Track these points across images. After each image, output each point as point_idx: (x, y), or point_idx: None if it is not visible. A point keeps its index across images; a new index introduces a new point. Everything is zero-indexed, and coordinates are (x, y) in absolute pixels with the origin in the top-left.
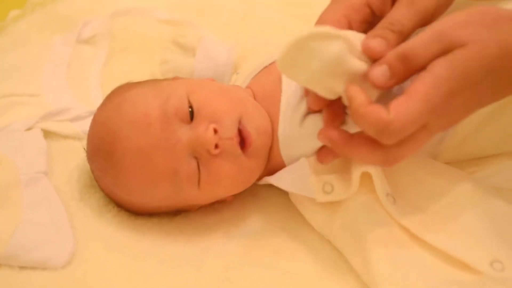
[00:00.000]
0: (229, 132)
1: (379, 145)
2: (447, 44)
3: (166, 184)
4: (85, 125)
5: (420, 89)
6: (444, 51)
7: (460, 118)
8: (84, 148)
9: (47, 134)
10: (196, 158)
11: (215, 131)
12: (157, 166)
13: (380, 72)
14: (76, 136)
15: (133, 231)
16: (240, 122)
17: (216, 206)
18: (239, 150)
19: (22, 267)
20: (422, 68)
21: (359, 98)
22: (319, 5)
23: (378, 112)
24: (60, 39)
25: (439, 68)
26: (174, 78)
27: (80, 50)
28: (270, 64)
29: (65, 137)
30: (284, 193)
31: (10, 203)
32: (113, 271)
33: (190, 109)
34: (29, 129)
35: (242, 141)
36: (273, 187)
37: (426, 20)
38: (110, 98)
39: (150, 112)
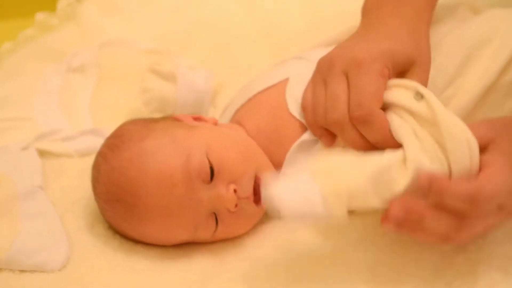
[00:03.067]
0: (247, 191)
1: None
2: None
3: (184, 234)
4: (76, 144)
5: (498, 159)
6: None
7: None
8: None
9: (41, 153)
10: (214, 213)
11: (235, 191)
12: (179, 222)
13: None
14: (68, 154)
15: (124, 241)
16: (255, 178)
17: None
18: (254, 206)
19: (22, 271)
20: None
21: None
22: (295, 37)
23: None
24: (51, 69)
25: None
26: (182, 124)
27: (70, 78)
28: (254, 96)
29: (58, 155)
30: None
31: (11, 215)
32: (108, 272)
33: (210, 168)
34: (24, 149)
35: (256, 194)
36: None
37: None
38: (124, 142)
39: (174, 172)
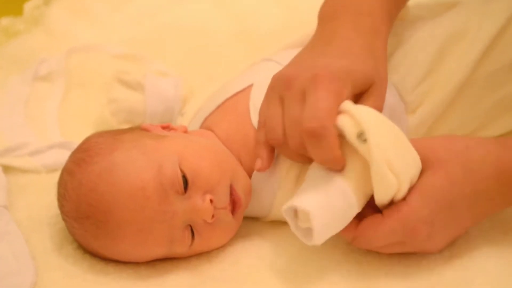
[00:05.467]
0: (224, 201)
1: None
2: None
3: (160, 249)
4: (44, 159)
5: (394, 214)
6: None
7: (443, 240)
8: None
9: (6, 169)
10: (190, 225)
11: (211, 201)
12: (154, 236)
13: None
14: (35, 170)
15: (95, 262)
16: (231, 187)
17: None
18: (230, 217)
19: None
20: None
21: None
22: (272, 39)
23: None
24: (16, 77)
25: (411, 199)
26: (151, 134)
27: (37, 87)
28: (223, 102)
29: (24, 171)
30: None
31: None
32: None
33: (183, 178)
34: None
35: (232, 204)
36: None
37: None
38: (91, 156)
39: (146, 185)
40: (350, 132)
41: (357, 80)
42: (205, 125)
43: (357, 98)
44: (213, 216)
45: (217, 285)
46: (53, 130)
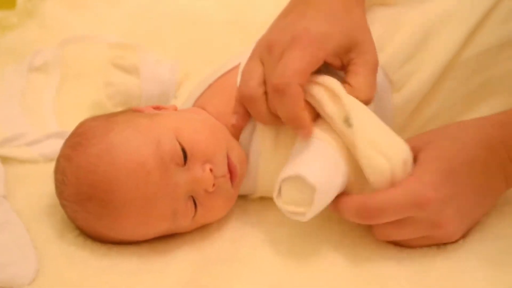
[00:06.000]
0: (222, 169)
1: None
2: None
3: (164, 223)
4: (42, 148)
5: (403, 185)
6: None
7: (452, 216)
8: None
9: (4, 160)
10: (192, 196)
11: (211, 170)
12: (157, 210)
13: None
14: (33, 160)
15: (96, 249)
16: (227, 156)
17: None
18: (230, 184)
19: None
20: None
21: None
22: (266, 28)
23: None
24: (12, 70)
25: (414, 172)
26: (144, 114)
27: (33, 78)
28: (215, 82)
29: (23, 161)
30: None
31: None
32: (80, 283)
33: (182, 151)
34: None
35: (230, 173)
36: None
37: None
38: (87, 139)
39: (147, 160)
40: (338, 116)
41: (338, 42)
42: (197, 105)
43: (344, 58)
44: (213, 185)
45: (219, 265)
46: (50, 120)
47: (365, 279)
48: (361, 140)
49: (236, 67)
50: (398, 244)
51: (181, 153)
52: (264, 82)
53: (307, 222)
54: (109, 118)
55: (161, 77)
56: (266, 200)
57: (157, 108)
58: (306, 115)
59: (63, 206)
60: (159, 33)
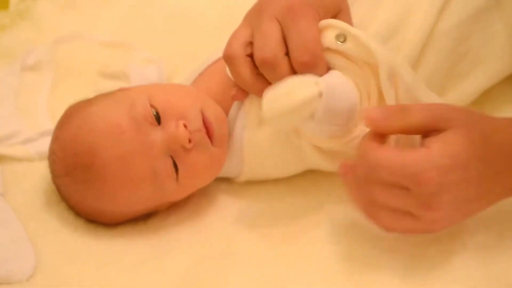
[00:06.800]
0: (197, 124)
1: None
2: (438, 118)
3: (147, 185)
4: (37, 146)
5: (412, 154)
6: (434, 126)
7: (447, 205)
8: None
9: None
10: (171, 156)
11: (185, 126)
12: (137, 169)
13: (378, 110)
14: (29, 158)
15: (94, 243)
16: (202, 113)
17: (172, 210)
18: (208, 140)
19: None
20: (411, 129)
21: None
22: None
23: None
24: (4, 70)
25: (432, 144)
26: (125, 89)
27: (26, 77)
28: (205, 70)
29: (18, 160)
30: (234, 190)
31: None
32: (76, 279)
33: (155, 113)
34: None
35: (207, 130)
36: (223, 186)
37: None
38: (69, 117)
39: (120, 121)
40: (329, 39)
41: (327, 6)
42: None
43: None
44: (190, 140)
45: (215, 260)
46: (44, 118)
47: (357, 272)
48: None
49: None
50: (380, 224)
51: (152, 113)
52: (249, 44)
53: (303, 218)
54: (91, 98)
55: (149, 78)
56: (261, 195)
57: None
58: None
59: (57, 187)
60: (149, 31)
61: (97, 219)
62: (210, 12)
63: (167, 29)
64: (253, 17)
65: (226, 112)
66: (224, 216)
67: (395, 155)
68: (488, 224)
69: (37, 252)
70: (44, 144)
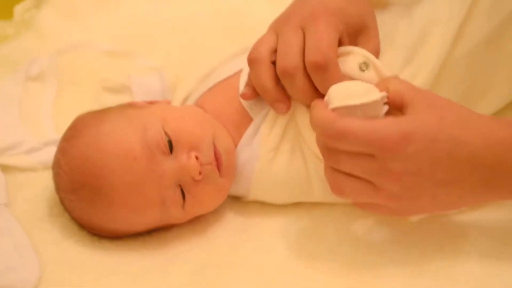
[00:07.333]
0: (208, 157)
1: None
2: (415, 94)
3: (154, 211)
4: (41, 156)
5: (378, 121)
6: (409, 99)
7: (413, 182)
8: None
9: (3, 168)
10: (180, 185)
11: (197, 158)
12: (146, 197)
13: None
14: (33, 168)
15: (97, 253)
16: (213, 145)
17: None
18: (217, 173)
19: None
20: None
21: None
22: (264, 30)
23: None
24: (8, 79)
25: (400, 113)
26: (136, 106)
27: (30, 87)
28: (214, 85)
29: (22, 169)
30: (238, 201)
31: None
32: None
33: (168, 140)
34: None
35: (217, 161)
36: (228, 200)
37: None
38: (78, 131)
39: (133, 146)
40: (352, 67)
41: (351, 20)
42: (196, 105)
43: (352, 40)
44: (200, 172)
45: (217, 269)
46: (48, 128)
47: (362, 283)
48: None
49: (238, 72)
50: (342, 193)
51: (165, 141)
52: (274, 51)
53: (304, 229)
54: (101, 111)
55: (152, 88)
56: (264, 205)
57: (151, 102)
58: None
59: (61, 199)
60: (151, 39)
61: (100, 234)
62: (213, 20)
63: (169, 37)
64: (280, 25)
65: (236, 133)
66: (228, 227)
67: (361, 123)
68: (492, 232)
69: (40, 262)
70: (48, 154)
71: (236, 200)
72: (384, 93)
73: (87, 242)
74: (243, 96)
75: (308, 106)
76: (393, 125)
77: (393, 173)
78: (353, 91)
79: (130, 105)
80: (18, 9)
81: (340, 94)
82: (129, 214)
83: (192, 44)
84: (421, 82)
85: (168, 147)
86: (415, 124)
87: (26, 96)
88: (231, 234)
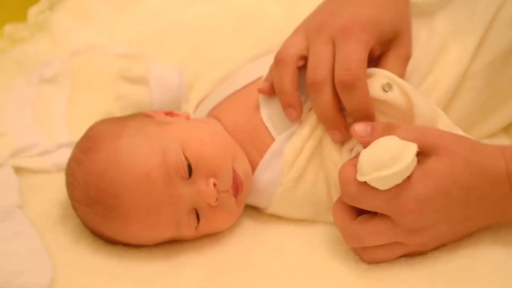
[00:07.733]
0: (226, 185)
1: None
2: (425, 142)
3: (168, 232)
4: (54, 158)
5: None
6: (419, 148)
7: (431, 229)
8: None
9: (17, 170)
10: (195, 209)
11: (214, 185)
12: (161, 219)
13: (363, 126)
14: (46, 170)
15: (109, 256)
16: (233, 170)
17: None
18: (234, 200)
19: None
20: None
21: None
22: (275, 34)
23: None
24: (22, 80)
25: (413, 174)
26: (155, 119)
27: (43, 89)
28: (233, 94)
29: (35, 172)
30: (249, 207)
31: None
32: None
33: (188, 165)
34: None
35: (235, 187)
36: None
37: None
38: (96, 143)
39: (153, 170)
40: (374, 87)
41: (384, 30)
42: (212, 114)
43: (385, 46)
44: (216, 199)
45: (230, 273)
46: (61, 130)
47: (377, 285)
48: (411, 91)
49: (257, 80)
50: (377, 261)
51: (186, 167)
52: (303, 57)
53: (316, 233)
54: (119, 122)
55: (170, 83)
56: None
57: (170, 114)
58: (371, 102)
59: (74, 207)
60: (165, 41)
61: (112, 242)
62: (225, 23)
63: (181, 39)
64: (313, 32)
65: (255, 152)
66: (239, 231)
67: (374, 192)
68: (506, 241)
69: (53, 264)
70: (62, 156)
71: (249, 207)
72: (411, 157)
73: (100, 245)
74: (260, 90)
75: (327, 126)
76: (406, 190)
77: (416, 230)
78: (382, 159)
79: (148, 116)
80: (32, 11)
81: (369, 164)
82: (143, 233)
83: (205, 47)
84: (440, 94)
85: (187, 172)
86: (428, 183)
87: (40, 98)
88: (243, 238)
